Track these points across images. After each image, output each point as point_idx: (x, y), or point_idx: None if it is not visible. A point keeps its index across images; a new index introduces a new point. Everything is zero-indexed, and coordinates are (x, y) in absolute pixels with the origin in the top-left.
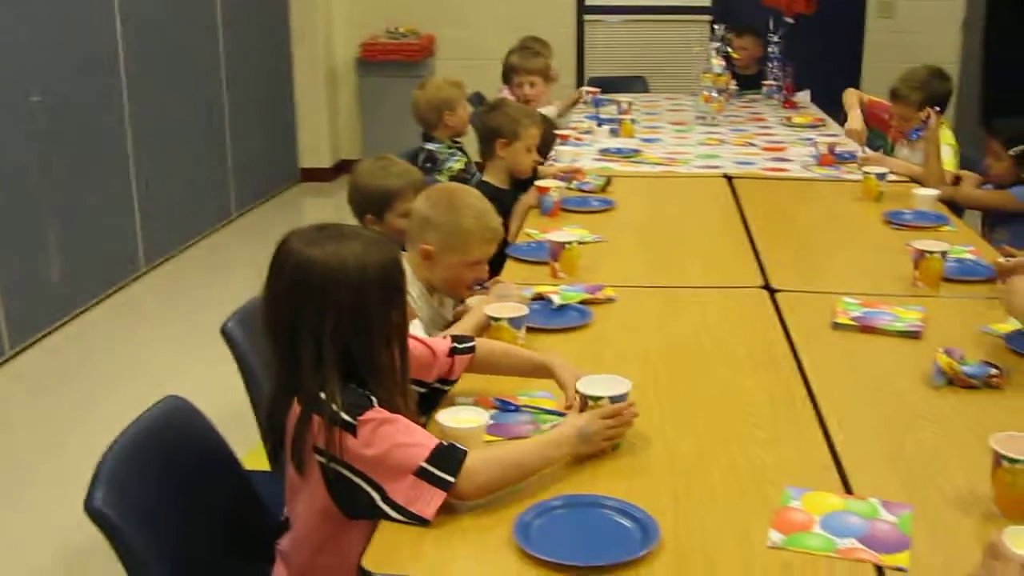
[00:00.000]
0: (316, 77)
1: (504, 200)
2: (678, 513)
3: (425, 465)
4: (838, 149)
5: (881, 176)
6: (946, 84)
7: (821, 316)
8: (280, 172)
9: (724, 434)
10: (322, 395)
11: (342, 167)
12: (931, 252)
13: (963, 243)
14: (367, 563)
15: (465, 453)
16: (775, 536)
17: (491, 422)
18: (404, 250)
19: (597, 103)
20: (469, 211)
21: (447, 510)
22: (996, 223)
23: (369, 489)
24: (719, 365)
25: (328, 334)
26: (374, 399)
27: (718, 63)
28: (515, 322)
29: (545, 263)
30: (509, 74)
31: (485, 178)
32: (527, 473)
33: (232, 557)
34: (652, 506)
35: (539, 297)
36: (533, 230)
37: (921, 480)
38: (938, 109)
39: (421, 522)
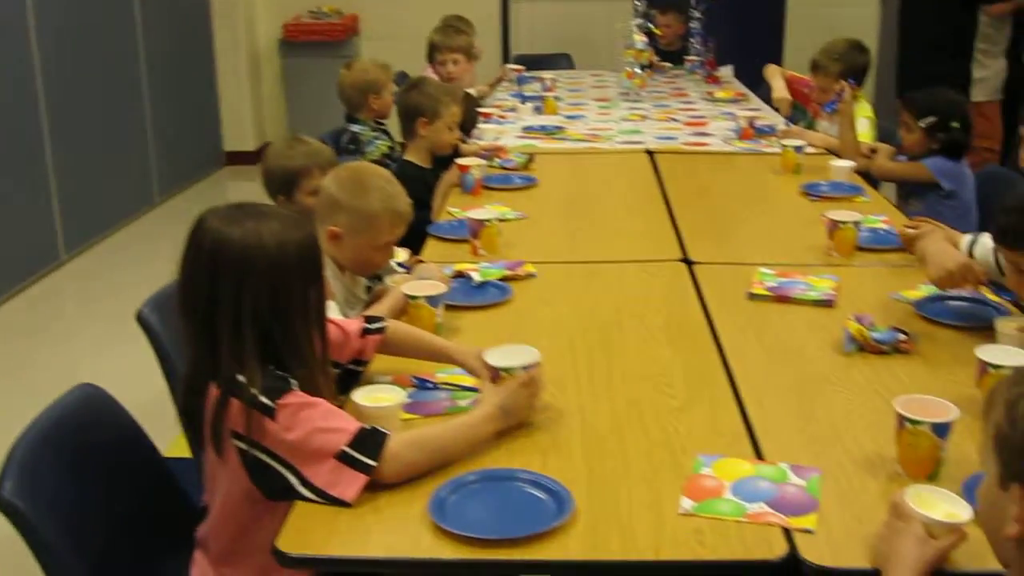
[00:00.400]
0: (238, 58)
1: (426, 179)
2: (592, 484)
3: (346, 449)
4: (758, 123)
5: (799, 149)
6: (864, 56)
7: (738, 287)
8: (204, 156)
9: (639, 405)
10: (240, 378)
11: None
12: (844, 222)
13: (876, 213)
14: (281, 544)
15: (387, 436)
16: (686, 503)
17: (408, 400)
18: None
19: (521, 81)
20: (377, 194)
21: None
22: (910, 194)
23: (287, 473)
24: (636, 337)
25: (247, 314)
26: (293, 382)
27: (640, 39)
28: (433, 300)
29: (466, 241)
30: (432, 52)
31: (407, 157)
32: (452, 457)
33: (151, 546)
34: (567, 478)
35: (459, 275)
36: (455, 208)
37: (830, 444)
38: (853, 82)
39: (343, 504)
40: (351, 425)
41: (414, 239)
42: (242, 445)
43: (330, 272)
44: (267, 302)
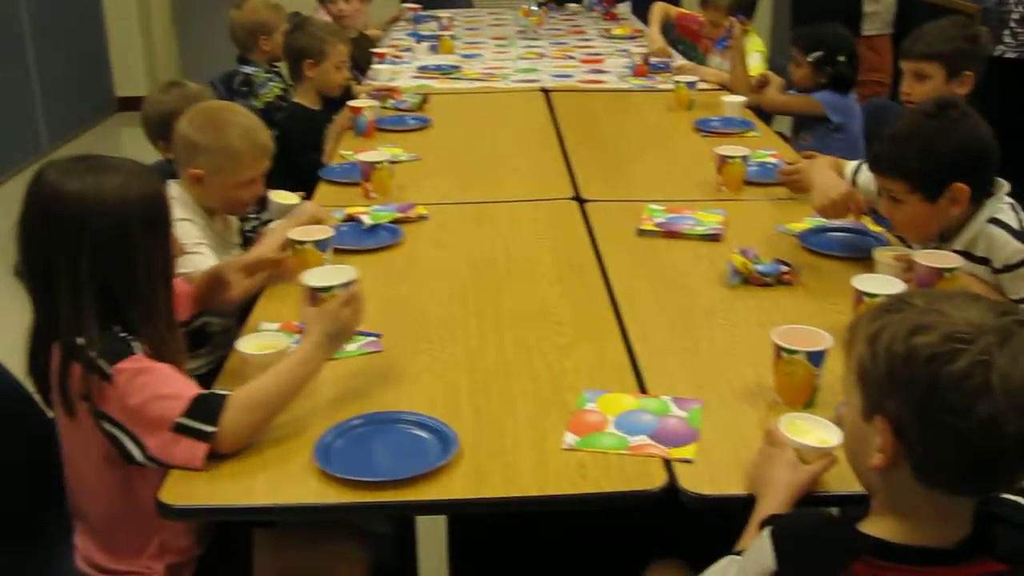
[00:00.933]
0: (127, 1)
1: (317, 121)
2: (479, 423)
3: (182, 420)
4: (653, 59)
5: (692, 85)
6: None
7: (628, 224)
8: (94, 102)
9: (527, 343)
10: (80, 340)
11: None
12: (732, 157)
13: (766, 147)
14: (164, 496)
15: (225, 399)
16: (570, 438)
17: (294, 346)
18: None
19: (417, 20)
20: (235, 129)
21: None
22: (801, 127)
23: (129, 442)
24: (525, 277)
25: (85, 272)
26: (135, 345)
27: None
28: (321, 244)
29: (358, 184)
30: None
31: (296, 99)
32: (289, 399)
33: (34, 510)
34: (453, 418)
35: (350, 218)
36: (347, 151)
37: (712, 376)
38: (742, 17)
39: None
40: (188, 391)
41: (307, 183)
42: (89, 407)
43: (198, 219)
44: (108, 260)
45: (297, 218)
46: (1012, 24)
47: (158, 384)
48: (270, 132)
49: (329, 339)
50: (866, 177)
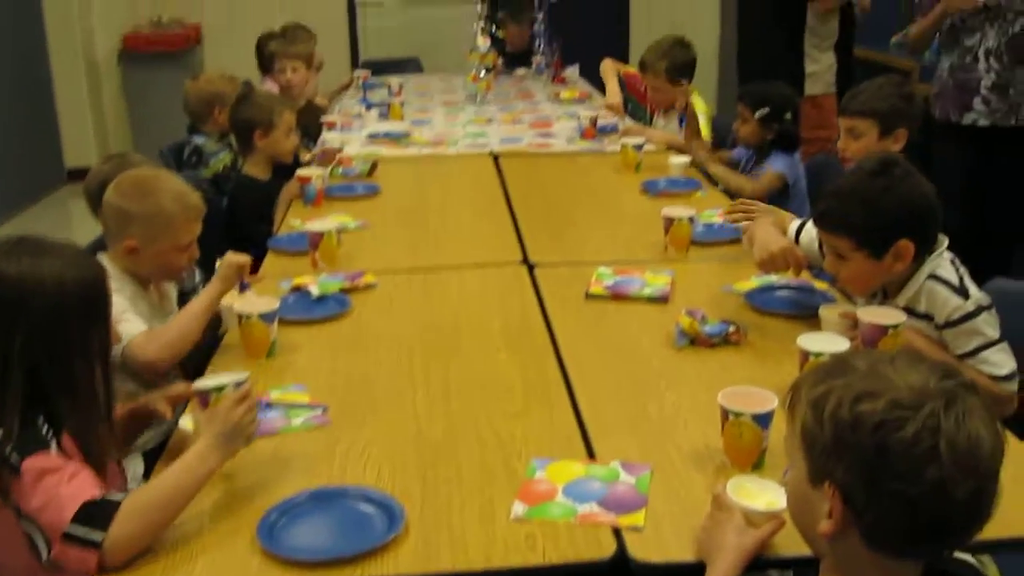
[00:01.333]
0: (76, 71)
1: (267, 191)
2: (425, 495)
3: (70, 529)
4: (600, 122)
5: (639, 147)
6: (688, 52)
7: (577, 288)
8: (44, 173)
9: (474, 412)
10: None
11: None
12: (679, 218)
13: (712, 207)
14: None
15: (117, 505)
16: (519, 508)
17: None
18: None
19: (367, 86)
20: (166, 194)
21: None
22: None
23: (39, 541)
24: (474, 343)
25: (15, 357)
26: (52, 441)
27: (483, 42)
28: (266, 317)
29: (306, 253)
30: (270, 60)
31: (245, 171)
32: (182, 503)
33: None
34: (400, 491)
35: (297, 289)
36: (296, 220)
37: (661, 440)
38: (685, 80)
39: None
40: (83, 494)
41: (258, 254)
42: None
43: (127, 288)
44: (41, 343)
45: (221, 280)
46: (983, 92)
47: (59, 486)
48: (200, 194)
49: (221, 439)
50: (808, 237)
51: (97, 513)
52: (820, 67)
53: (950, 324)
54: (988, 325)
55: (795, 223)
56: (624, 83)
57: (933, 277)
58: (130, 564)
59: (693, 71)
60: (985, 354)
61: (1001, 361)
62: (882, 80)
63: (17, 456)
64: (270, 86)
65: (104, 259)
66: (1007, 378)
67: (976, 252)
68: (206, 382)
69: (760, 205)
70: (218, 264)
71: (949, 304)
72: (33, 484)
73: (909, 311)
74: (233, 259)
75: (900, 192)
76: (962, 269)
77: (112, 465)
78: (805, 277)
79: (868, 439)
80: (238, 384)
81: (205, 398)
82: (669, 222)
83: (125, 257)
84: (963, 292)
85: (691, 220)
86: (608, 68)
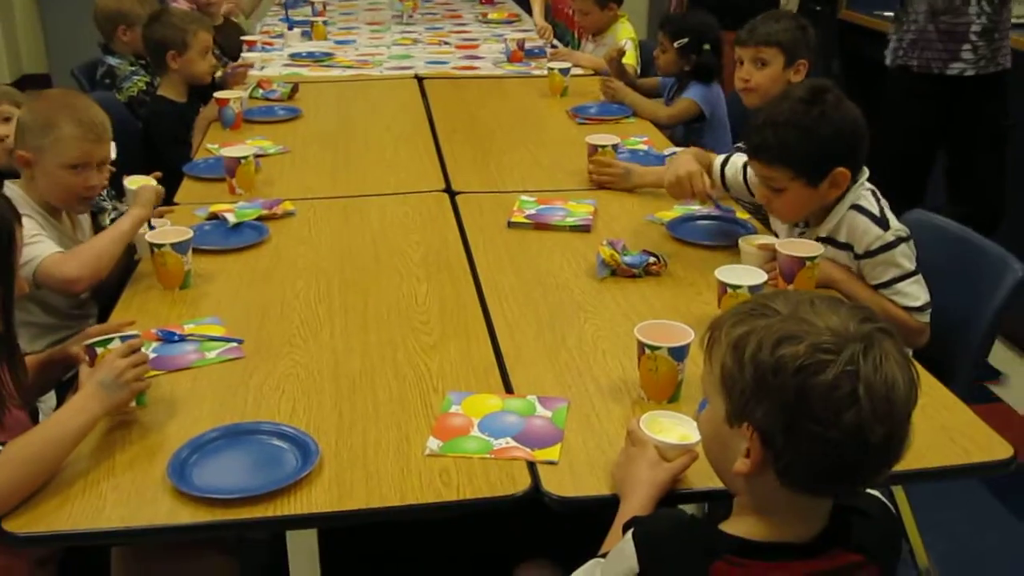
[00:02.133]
0: None
1: (183, 114)
2: (341, 430)
3: None
4: (528, 45)
5: (565, 71)
6: None
7: (499, 216)
8: None
9: (393, 344)
10: None
11: (25, 82)
12: (603, 145)
13: (638, 134)
14: (7, 524)
15: None
16: (433, 443)
17: (153, 355)
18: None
19: (290, 5)
20: (62, 110)
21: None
22: None
23: None
24: (394, 274)
25: None
26: None
27: None
28: (179, 247)
29: (223, 179)
30: None
31: (160, 92)
32: (55, 460)
33: None
34: (316, 425)
35: (213, 216)
36: (213, 145)
37: (579, 373)
38: (614, 3)
39: None
40: None
41: (173, 180)
42: None
43: (40, 217)
44: None
45: (141, 206)
46: (972, 38)
47: None
48: (107, 117)
49: (101, 389)
50: (734, 168)
51: None
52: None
53: (869, 254)
54: (905, 257)
55: (719, 158)
56: (551, 7)
57: (855, 207)
58: (16, 510)
59: None
60: (900, 285)
61: (916, 293)
62: (778, 12)
63: None
64: (184, 3)
65: (16, 187)
66: (921, 309)
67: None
68: (94, 339)
69: (623, 165)
70: (127, 184)
71: (869, 234)
72: None
73: (829, 241)
74: (151, 185)
75: (835, 119)
76: (883, 201)
77: (17, 412)
78: (707, 207)
79: (788, 382)
80: (125, 338)
81: (93, 353)
82: (593, 149)
83: (25, 175)
84: (883, 223)
85: (615, 147)
86: None
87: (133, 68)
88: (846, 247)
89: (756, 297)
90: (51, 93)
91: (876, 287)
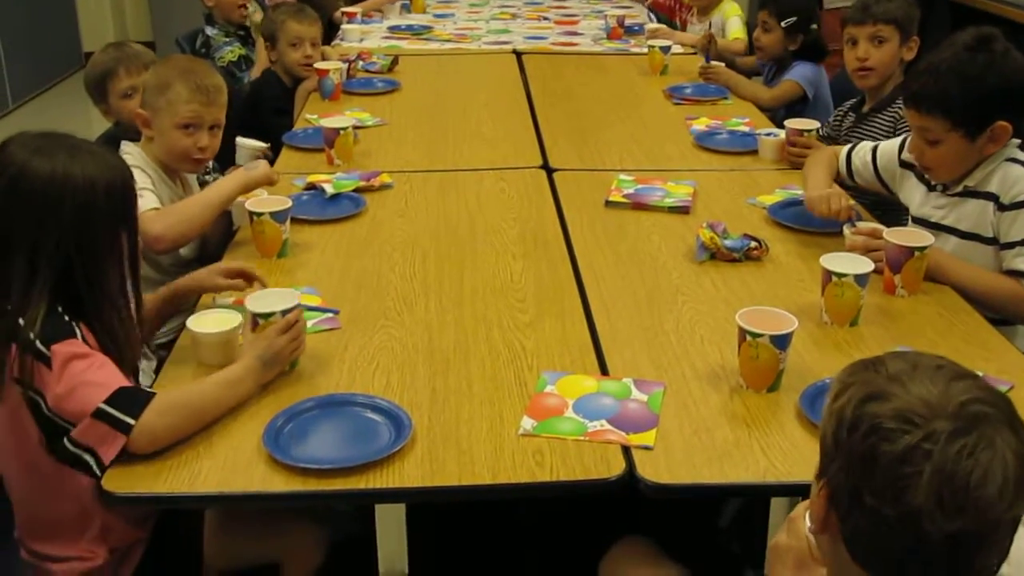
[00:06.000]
0: None
1: (289, 90)
2: (435, 405)
3: (104, 406)
4: (628, 21)
5: (665, 49)
6: None
7: (597, 195)
8: (61, 57)
9: (487, 321)
10: (21, 320)
11: None
12: (808, 130)
13: (739, 115)
14: (107, 483)
15: (151, 397)
16: (527, 423)
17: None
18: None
19: None
20: (180, 73)
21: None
22: None
23: (64, 425)
24: (490, 250)
25: (44, 253)
26: (79, 329)
27: None
28: (278, 216)
29: (321, 150)
30: None
31: (273, 68)
32: (212, 417)
33: None
34: (409, 400)
35: (311, 187)
36: (313, 115)
37: (676, 357)
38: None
39: (100, 469)
40: (116, 382)
41: (274, 150)
42: (24, 390)
43: (155, 175)
44: (71, 241)
45: (252, 176)
46: None
47: (90, 371)
48: (223, 83)
49: (261, 364)
50: (862, 157)
51: (132, 399)
52: None
53: (1014, 205)
54: None
55: (846, 148)
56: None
57: (1011, 160)
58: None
59: None
60: None
61: None
62: None
63: (44, 343)
64: None
65: (131, 146)
66: None
67: None
68: (258, 306)
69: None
70: (238, 141)
71: (1022, 183)
72: (61, 368)
73: (972, 193)
74: (266, 172)
75: (1002, 69)
76: None
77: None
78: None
79: (859, 443)
80: (285, 312)
81: (255, 320)
82: (797, 133)
83: (144, 132)
84: None
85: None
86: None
87: (228, 39)
88: (990, 197)
89: (886, 356)
90: (174, 57)
91: (1004, 246)
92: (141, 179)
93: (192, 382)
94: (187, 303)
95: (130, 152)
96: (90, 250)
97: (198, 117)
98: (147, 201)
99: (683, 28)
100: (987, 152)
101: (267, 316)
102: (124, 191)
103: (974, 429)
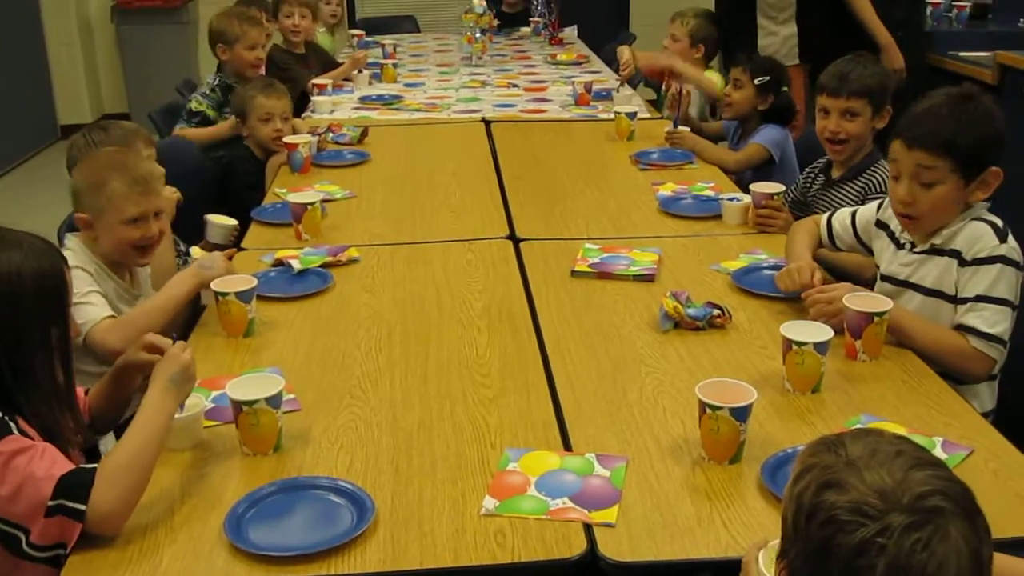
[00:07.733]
0: (69, 27)
1: (261, 165)
2: (397, 485)
3: (52, 503)
4: (595, 87)
5: (632, 115)
6: (714, 29)
7: (563, 264)
8: (36, 129)
9: (452, 397)
10: None
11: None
12: (777, 193)
13: (705, 180)
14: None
15: (93, 473)
16: (489, 503)
17: (210, 405)
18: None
19: (361, 46)
20: (108, 167)
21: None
22: None
23: (14, 531)
24: (455, 323)
25: None
26: (13, 425)
27: (479, 2)
28: (243, 296)
29: (290, 225)
30: (278, 5)
31: (247, 143)
32: (152, 461)
33: None
34: (372, 480)
35: (279, 263)
36: (281, 189)
37: (639, 429)
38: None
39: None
40: (58, 469)
41: (245, 225)
42: None
43: (92, 269)
44: None
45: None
46: None
47: (30, 464)
48: (158, 169)
49: (171, 384)
50: (841, 221)
51: (75, 483)
52: (775, 40)
53: (976, 261)
54: (1007, 282)
55: (824, 217)
56: (641, 70)
57: (978, 219)
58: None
59: (716, 48)
60: (984, 305)
61: (995, 320)
62: (863, 59)
63: None
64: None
65: (74, 240)
66: (990, 339)
67: None
68: (240, 393)
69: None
70: (209, 224)
71: (984, 240)
72: (3, 467)
73: (938, 251)
74: (222, 269)
75: (994, 121)
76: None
77: (75, 454)
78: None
79: (817, 532)
80: (271, 399)
81: (238, 408)
82: (766, 196)
83: (85, 235)
84: (1003, 236)
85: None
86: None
87: (211, 95)
88: (954, 254)
89: (847, 436)
90: (98, 154)
91: (959, 300)
92: (85, 281)
93: (122, 439)
94: (133, 384)
95: (72, 249)
96: (18, 344)
97: (143, 211)
98: (99, 311)
99: (666, 91)
100: (973, 199)
101: (251, 404)
102: (54, 280)
103: (929, 523)
